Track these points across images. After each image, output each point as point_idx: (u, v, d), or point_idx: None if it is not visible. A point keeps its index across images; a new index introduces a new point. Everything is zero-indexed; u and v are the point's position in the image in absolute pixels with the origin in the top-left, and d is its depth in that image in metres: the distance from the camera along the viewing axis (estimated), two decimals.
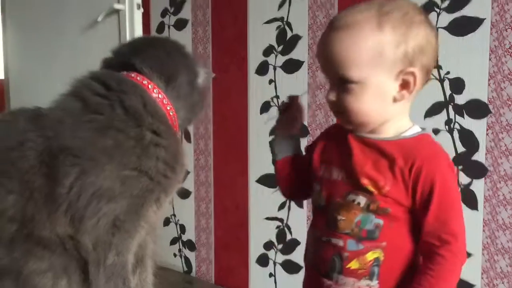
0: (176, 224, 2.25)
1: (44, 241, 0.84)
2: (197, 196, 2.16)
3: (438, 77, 1.53)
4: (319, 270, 0.93)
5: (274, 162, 1.04)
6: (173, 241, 2.27)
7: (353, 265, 0.89)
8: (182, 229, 2.23)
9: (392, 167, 0.87)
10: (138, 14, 1.90)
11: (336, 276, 0.90)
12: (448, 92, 1.52)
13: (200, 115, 1.12)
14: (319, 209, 0.95)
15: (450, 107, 1.52)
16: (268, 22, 1.86)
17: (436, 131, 1.55)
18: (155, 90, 0.96)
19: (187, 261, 2.24)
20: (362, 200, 0.89)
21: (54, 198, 0.84)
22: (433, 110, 1.55)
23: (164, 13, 2.16)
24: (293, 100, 1.04)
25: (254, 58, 1.91)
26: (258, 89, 1.91)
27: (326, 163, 0.95)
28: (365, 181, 0.88)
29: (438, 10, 1.52)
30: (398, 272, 0.90)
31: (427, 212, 0.86)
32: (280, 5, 1.82)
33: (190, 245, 2.22)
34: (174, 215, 2.25)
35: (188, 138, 2.15)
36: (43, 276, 0.85)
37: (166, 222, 2.26)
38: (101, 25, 1.90)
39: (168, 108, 0.97)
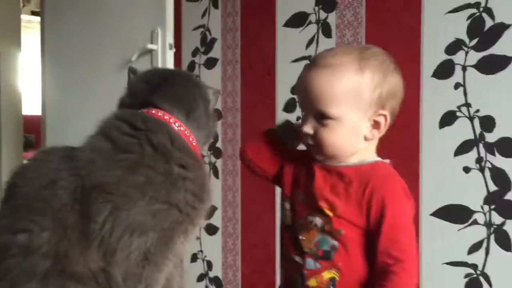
0: (203, 260, 2.25)
1: (77, 275, 0.85)
2: (224, 232, 2.16)
3: (467, 115, 1.52)
4: (287, 285, 1.02)
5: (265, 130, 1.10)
6: (200, 278, 2.26)
7: (311, 282, 0.96)
8: (209, 265, 2.23)
9: (348, 189, 0.95)
10: (170, 54, 1.96)
11: None
12: (478, 130, 1.51)
13: (213, 137, 1.17)
14: (286, 228, 1.03)
15: (481, 145, 1.50)
16: (296, 60, 1.89)
17: (466, 170, 1.53)
18: (176, 124, 0.99)
19: None
20: (318, 221, 0.96)
21: (88, 234, 0.86)
22: (463, 149, 1.53)
23: (195, 52, 2.23)
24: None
25: (282, 95, 1.94)
26: None
27: (295, 186, 1.03)
28: (322, 204, 0.95)
29: (466, 49, 1.52)
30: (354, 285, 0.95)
31: (379, 232, 0.91)
32: (308, 44, 1.86)
33: (217, 282, 2.20)
34: (202, 251, 2.25)
35: (216, 175, 2.17)
36: None
37: (194, 258, 2.26)
38: (135, 65, 1.97)
39: (191, 139, 1.01)
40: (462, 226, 1.54)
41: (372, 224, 0.93)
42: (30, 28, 5.30)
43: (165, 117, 0.99)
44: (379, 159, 1.01)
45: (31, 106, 4.43)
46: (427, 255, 1.60)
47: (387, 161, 1.02)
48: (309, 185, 0.99)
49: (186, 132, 1.00)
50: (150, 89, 1.03)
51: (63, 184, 0.89)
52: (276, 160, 1.07)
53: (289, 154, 1.07)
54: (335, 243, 0.95)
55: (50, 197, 0.88)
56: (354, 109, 0.94)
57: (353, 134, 0.96)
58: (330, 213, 0.95)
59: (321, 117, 0.95)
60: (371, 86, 0.94)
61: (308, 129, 0.97)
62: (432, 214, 1.59)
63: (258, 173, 1.10)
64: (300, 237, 0.97)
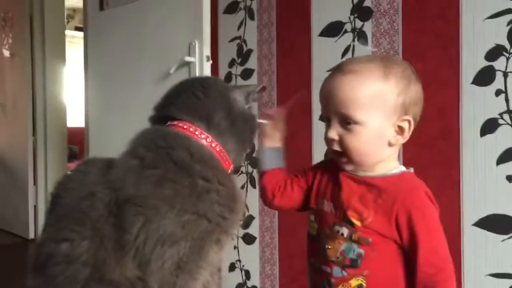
0: (241, 269, 2.26)
1: (114, 283, 0.89)
2: (262, 241, 2.17)
3: (510, 122, 1.48)
4: None
5: (261, 172, 1.15)
6: (238, 287, 2.27)
7: None
8: (247, 275, 2.23)
9: (377, 200, 0.97)
10: (207, 66, 2.00)
11: None
12: None
13: (253, 140, 1.14)
14: (312, 238, 1.06)
15: None
16: (331, 70, 1.89)
17: (510, 179, 1.48)
18: (197, 132, 1.01)
19: None
20: (345, 231, 0.98)
21: (123, 244, 0.90)
22: (506, 157, 1.49)
23: (231, 63, 2.26)
24: (275, 112, 1.17)
25: (318, 105, 1.93)
26: (321, 136, 1.93)
27: (320, 196, 1.05)
28: (350, 213, 0.97)
29: (507, 55, 1.49)
30: None
31: (416, 245, 0.93)
32: (344, 53, 1.86)
33: None
34: (240, 260, 2.27)
35: (253, 184, 2.19)
36: None
37: (232, 267, 2.28)
38: (174, 77, 2.02)
39: (214, 145, 1.01)
40: (506, 236, 1.49)
41: (404, 239, 0.95)
42: (74, 43, 5.50)
43: (189, 129, 1.01)
44: (404, 168, 1.03)
45: (75, 118, 4.58)
46: (470, 266, 1.55)
47: (411, 169, 1.04)
48: (336, 195, 1.01)
49: (208, 139, 1.01)
50: (167, 103, 1.07)
51: (100, 196, 0.93)
52: (300, 193, 1.11)
53: (310, 172, 1.10)
54: (361, 251, 0.97)
55: (88, 208, 0.92)
56: (378, 114, 0.97)
57: (378, 140, 0.98)
58: (358, 223, 0.97)
59: (346, 122, 0.97)
60: (395, 92, 0.97)
61: (333, 134, 0.98)
62: (474, 224, 1.55)
63: (291, 210, 1.15)
64: (327, 246, 1.00)
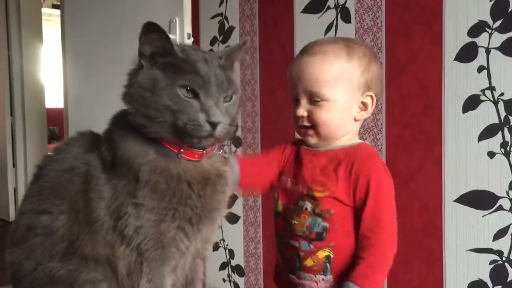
0: (225, 249, 2.26)
1: (85, 256, 0.89)
2: (246, 221, 2.17)
3: (491, 98, 1.49)
4: (285, 267, 1.08)
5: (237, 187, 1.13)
6: (222, 266, 2.28)
7: (308, 262, 1.03)
8: (231, 254, 2.24)
9: (336, 169, 1.02)
10: (189, 43, 1.97)
11: (298, 272, 1.05)
12: (503, 114, 1.47)
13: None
14: (278, 215, 1.10)
15: (506, 130, 1.47)
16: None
17: (491, 155, 1.50)
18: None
19: (236, 286, 2.23)
20: (308, 205, 1.03)
21: (92, 221, 0.89)
22: (487, 133, 1.50)
23: (213, 41, 2.22)
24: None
25: None
26: None
27: (283, 174, 1.10)
28: (314, 187, 1.02)
29: (489, 31, 1.48)
30: (348, 265, 1.01)
31: (364, 209, 1.00)
32: (327, 30, 1.84)
33: (239, 270, 2.22)
34: (223, 239, 2.27)
35: None
36: (97, 285, 0.89)
37: (216, 247, 2.28)
38: None
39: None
40: (486, 212, 1.51)
41: (358, 202, 1.01)
42: (51, 22, 5.36)
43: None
44: (361, 141, 1.10)
45: (54, 99, 4.50)
46: (451, 241, 1.57)
47: (368, 142, 1.10)
48: (298, 171, 1.07)
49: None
50: None
51: (78, 171, 0.92)
52: (268, 173, 1.12)
53: (274, 157, 1.13)
54: (326, 224, 1.02)
55: (67, 182, 0.91)
56: (344, 91, 1.04)
57: (344, 114, 1.06)
58: (321, 195, 1.02)
59: (314, 100, 1.04)
60: (359, 71, 1.05)
61: (302, 111, 1.05)
62: (455, 200, 1.57)
63: (265, 191, 1.16)
64: (293, 222, 1.05)
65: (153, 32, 0.88)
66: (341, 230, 1.02)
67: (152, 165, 0.89)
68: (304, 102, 1.06)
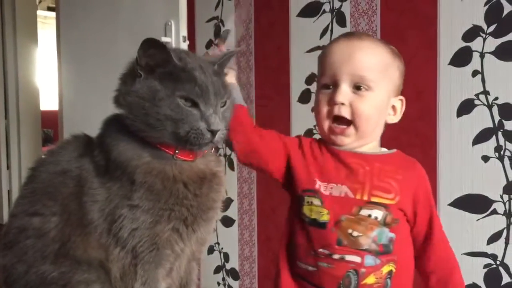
0: (220, 252, 2.26)
1: (78, 259, 0.89)
2: (241, 224, 2.17)
3: (486, 102, 1.50)
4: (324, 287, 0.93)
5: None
6: (217, 270, 2.27)
7: (370, 280, 0.90)
8: (226, 257, 2.24)
9: (395, 177, 0.94)
10: (184, 46, 1.96)
11: None
12: (497, 118, 1.48)
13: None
14: (321, 227, 0.94)
15: (500, 134, 1.48)
16: (310, 50, 1.88)
17: (485, 159, 1.50)
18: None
19: None
20: (378, 214, 0.91)
21: (85, 224, 0.89)
22: (482, 137, 1.51)
23: (208, 44, 2.22)
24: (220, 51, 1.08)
25: (297, 86, 1.93)
26: (300, 117, 1.92)
27: (325, 179, 0.96)
28: (377, 194, 0.92)
29: (484, 35, 1.49)
30: (406, 280, 0.96)
31: (433, 222, 0.96)
32: (322, 34, 1.84)
33: (233, 274, 2.21)
34: (218, 243, 2.26)
35: (231, 167, 2.17)
36: (91, 285, 0.89)
37: (210, 250, 2.27)
38: None
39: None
40: (481, 216, 1.51)
41: (420, 216, 0.95)
42: (47, 24, 5.35)
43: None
44: (391, 149, 1.04)
45: (49, 101, 4.48)
46: None
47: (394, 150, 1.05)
48: (349, 176, 0.94)
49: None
50: None
51: (71, 175, 0.91)
52: (278, 145, 1.02)
53: (290, 144, 1.02)
54: (393, 235, 0.92)
55: (60, 185, 0.91)
56: (386, 86, 0.98)
57: (382, 113, 0.99)
58: (391, 202, 0.92)
59: (357, 87, 0.95)
60: (399, 72, 1.01)
61: (342, 98, 0.95)
62: (450, 204, 1.57)
63: (261, 164, 1.04)
64: (356, 234, 0.91)
65: (151, 48, 0.88)
66: (404, 241, 0.95)
67: (147, 167, 0.89)
68: (345, 88, 0.95)
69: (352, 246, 0.91)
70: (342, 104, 0.95)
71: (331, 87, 0.97)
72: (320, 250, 0.93)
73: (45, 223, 0.90)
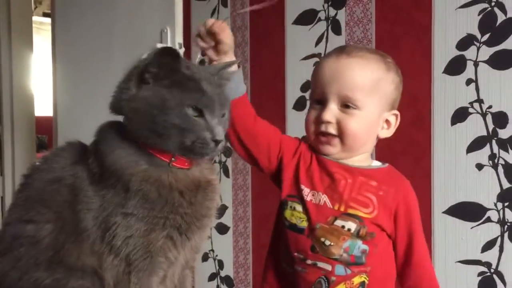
0: (214, 259, 2.25)
1: (71, 266, 0.89)
2: (235, 231, 2.16)
3: (480, 111, 1.50)
4: None
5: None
6: (212, 277, 2.26)
7: None
8: (221, 264, 2.23)
9: (377, 192, 0.94)
10: (180, 53, 1.97)
11: None
12: (491, 126, 1.49)
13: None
14: (298, 231, 0.96)
15: (494, 142, 1.48)
16: (305, 58, 1.89)
17: (479, 167, 1.51)
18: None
19: None
20: (352, 226, 0.93)
21: (80, 231, 0.89)
22: (476, 145, 1.51)
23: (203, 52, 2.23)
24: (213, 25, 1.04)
25: (292, 94, 1.93)
26: (296, 124, 1.92)
27: (309, 186, 0.98)
28: (355, 206, 0.93)
29: (478, 44, 1.50)
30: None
31: (413, 238, 0.96)
32: (317, 42, 1.85)
33: (228, 281, 2.20)
34: (213, 250, 2.25)
35: (226, 174, 2.17)
36: None
37: (205, 257, 2.26)
38: None
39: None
40: (475, 224, 1.52)
41: (401, 231, 0.96)
42: (42, 30, 5.34)
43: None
44: (386, 163, 1.03)
45: (44, 107, 4.47)
46: (439, 253, 1.58)
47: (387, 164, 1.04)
48: (331, 186, 0.96)
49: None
50: None
51: (65, 183, 0.91)
52: (272, 133, 1.03)
53: (287, 145, 1.03)
54: (366, 247, 0.93)
55: (54, 192, 0.91)
56: (377, 103, 0.97)
57: (372, 129, 0.99)
58: (367, 216, 0.93)
59: (345, 105, 0.96)
60: (393, 86, 0.99)
61: (330, 116, 0.96)
62: (444, 212, 1.57)
63: (253, 151, 1.03)
64: (328, 243, 0.93)
65: (167, 57, 0.88)
66: (380, 254, 0.95)
67: (143, 174, 0.88)
68: (333, 106, 0.96)
69: (324, 254, 0.93)
70: (329, 122, 0.96)
71: (320, 103, 0.99)
72: (296, 254, 0.97)
73: (38, 230, 0.89)
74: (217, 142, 0.88)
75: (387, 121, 1.00)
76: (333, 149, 0.98)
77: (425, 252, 0.99)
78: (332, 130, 0.96)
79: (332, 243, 0.93)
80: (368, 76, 0.96)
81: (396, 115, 1.01)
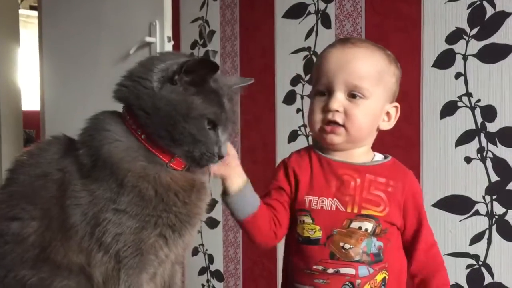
0: (204, 254, 2.25)
1: (58, 264, 0.87)
2: (225, 225, 2.16)
3: (468, 104, 1.51)
4: None
5: (242, 222, 1.00)
6: (202, 271, 2.26)
7: None
8: (211, 259, 2.22)
9: (386, 189, 0.95)
10: (169, 47, 1.95)
11: None
12: (479, 120, 1.50)
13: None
14: (315, 243, 0.94)
15: (482, 135, 1.49)
16: (295, 52, 1.88)
17: (468, 160, 1.52)
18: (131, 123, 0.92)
19: None
20: (369, 226, 0.93)
21: (67, 228, 0.87)
22: (464, 139, 1.52)
23: (193, 45, 2.21)
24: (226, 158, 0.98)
25: (282, 87, 1.93)
26: (286, 118, 1.92)
27: (317, 193, 0.96)
28: (368, 206, 0.93)
29: (467, 38, 1.51)
30: (399, 286, 0.97)
31: (420, 229, 0.97)
32: (307, 35, 1.84)
33: (218, 275, 2.20)
34: (203, 244, 2.25)
35: None
36: None
37: (195, 252, 2.26)
38: (134, 58, 1.96)
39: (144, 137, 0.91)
40: (463, 216, 1.53)
41: (410, 224, 0.97)
42: (29, 23, 5.28)
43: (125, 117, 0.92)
44: (383, 155, 1.04)
45: (31, 101, 4.43)
46: None
47: (389, 156, 1.05)
48: (339, 189, 0.95)
49: (139, 131, 0.90)
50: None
51: (52, 178, 0.89)
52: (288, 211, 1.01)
53: (284, 180, 1.01)
54: (381, 243, 0.94)
55: (40, 188, 0.89)
56: (381, 94, 0.98)
57: (375, 120, 0.99)
58: (380, 214, 0.94)
59: (352, 95, 0.95)
60: (394, 78, 1.01)
61: (337, 105, 0.95)
62: (433, 205, 1.58)
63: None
64: (347, 246, 0.93)
65: (206, 69, 0.88)
66: (393, 248, 0.96)
67: (141, 172, 0.87)
68: (340, 95, 0.95)
69: (345, 259, 0.93)
70: (337, 111, 0.95)
71: (326, 94, 0.97)
72: (315, 267, 0.94)
73: (24, 228, 0.87)
74: (220, 157, 0.90)
75: (388, 113, 1.01)
76: (338, 138, 0.97)
77: (432, 238, 1.01)
78: (339, 119, 0.95)
79: (351, 246, 0.93)
80: (374, 67, 0.96)
81: (397, 107, 1.02)
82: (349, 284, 0.92)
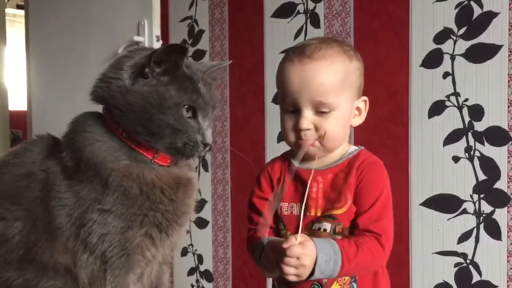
0: (193, 254, 2.24)
1: (44, 265, 0.86)
2: (215, 225, 2.15)
3: (456, 104, 1.52)
4: None
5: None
6: (191, 271, 2.25)
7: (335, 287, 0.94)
8: (200, 259, 2.22)
9: (345, 185, 0.95)
10: (157, 46, 1.94)
11: None
12: (467, 119, 1.51)
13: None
14: None
15: (470, 134, 1.50)
16: (284, 51, 1.88)
17: (456, 159, 1.53)
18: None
19: None
20: (327, 226, 0.94)
21: (53, 229, 0.86)
22: (452, 138, 1.53)
23: (182, 44, 2.21)
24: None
25: (271, 87, 1.93)
26: (275, 118, 1.92)
27: (287, 200, 0.99)
28: (328, 207, 0.94)
29: (454, 38, 1.52)
30: (370, 279, 0.96)
31: (367, 209, 0.93)
32: (296, 35, 1.84)
33: (207, 275, 2.19)
34: (192, 245, 2.24)
35: (205, 168, 2.16)
36: None
37: (184, 252, 2.25)
38: None
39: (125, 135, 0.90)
40: (451, 215, 1.54)
41: (361, 205, 0.94)
42: (16, 22, 5.22)
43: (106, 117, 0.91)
44: (357, 147, 1.02)
45: (18, 101, 4.38)
46: (417, 245, 1.60)
47: (362, 147, 1.03)
48: (302, 194, 0.95)
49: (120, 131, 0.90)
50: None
51: (36, 178, 0.89)
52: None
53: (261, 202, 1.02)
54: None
55: (24, 188, 0.88)
56: (348, 96, 0.97)
57: (347, 123, 0.99)
58: (340, 211, 0.94)
59: (320, 111, 0.95)
60: (357, 73, 1.00)
61: (307, 124, 0.95)
62: (421, 204, 1.59)
63: None
64: None
65: (175, 54, 0.86)
66: None
67: (125, 170, 0.86)
68: (308, 113, 0.95)
69: None
70: (308, 129, 0.95)
71: (294, 111, 0.97)
72: None
73: (7, 228, 0.87)
74: (206, 145, 0.89)
75: (357, 108, 1.01)
76: (315, 150, 0.97)
77: (387, 225, 0.95)
78: (312, 137, 0.96)
79: None
80: (336, 76, 0.95)
81: (365, 101, 1.02)
82: (317, 284, 0.94)
